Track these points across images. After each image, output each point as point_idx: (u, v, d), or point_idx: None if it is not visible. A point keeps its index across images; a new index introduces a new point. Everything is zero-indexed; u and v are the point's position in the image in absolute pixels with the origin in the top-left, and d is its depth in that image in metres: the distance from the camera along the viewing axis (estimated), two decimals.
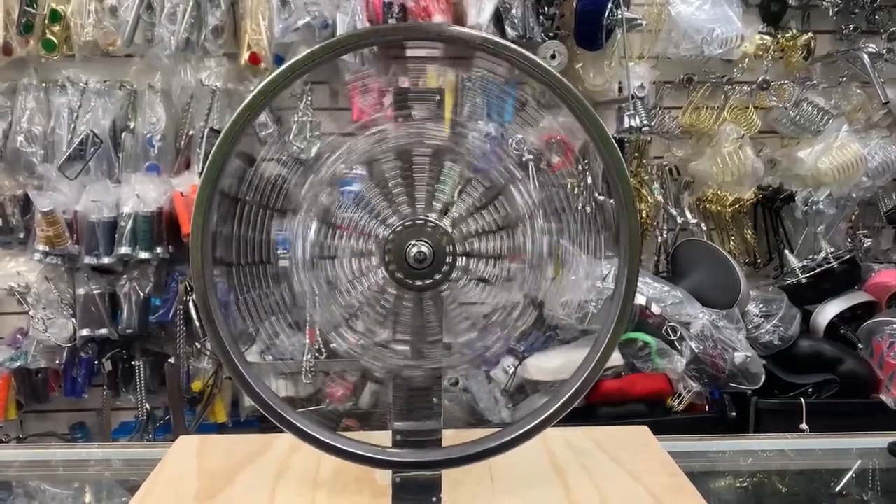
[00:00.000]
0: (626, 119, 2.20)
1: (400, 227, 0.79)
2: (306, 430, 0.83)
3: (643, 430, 1.12)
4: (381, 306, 0.82)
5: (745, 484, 1.23)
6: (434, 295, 0.82)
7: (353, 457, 0.83)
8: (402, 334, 0.83)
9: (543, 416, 0.83)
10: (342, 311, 0.83)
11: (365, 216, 0.81)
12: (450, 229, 0.80)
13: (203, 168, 1.65)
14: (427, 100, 0.82)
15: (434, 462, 0.84)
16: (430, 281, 0.80)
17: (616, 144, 0.82)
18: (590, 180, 2.21)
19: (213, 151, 0.78)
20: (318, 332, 1.95)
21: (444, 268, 0.80)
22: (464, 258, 0.81)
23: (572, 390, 0.83)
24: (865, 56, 2.33)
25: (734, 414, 2.05)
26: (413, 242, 0.79)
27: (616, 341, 0.83)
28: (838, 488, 1.20)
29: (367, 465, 0.85)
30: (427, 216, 0.80)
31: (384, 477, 0.90)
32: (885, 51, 2.36)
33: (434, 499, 0.85)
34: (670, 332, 2.03)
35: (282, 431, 0.84)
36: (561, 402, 0.83)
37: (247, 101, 0.78)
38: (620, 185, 0.80)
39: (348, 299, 0.82)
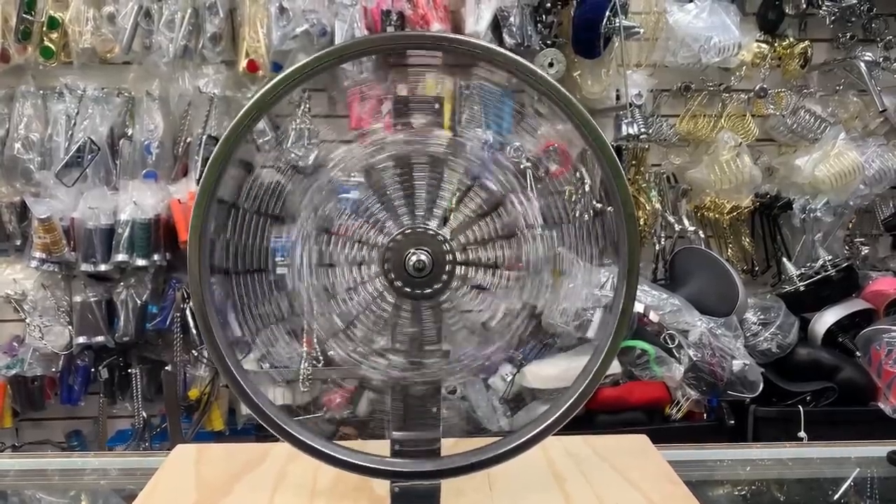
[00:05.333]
0: (623, 127, 2.21)
1: (399, 236, 0.79)
2: (303, 439, 0.82)
3: (642, 439, 1.12)
4: (380, 314, 0.81)
5: (745, 493, 1.22)
6: (433, 304, 0.82)
7: (351, 466, 0.83)
8: (400, 343, 0.83)
9: (543, 426, 0.83)
10: (340, 319, 0.82)
11: (364, 224, 0.81)
12: (449, 238, 0.80)
13: (201, 175, 1.66)
14: (426, 108, 0.81)
15: (433, 472, 0.83)
16: (430, 290, 0.80)
17: (615, 153, 0.82)
18: (587, 188, 2.22)
19: (210, 160, 0.78)
20: (315, 340, 1.94)
21: (444, 277, 0.80)
22: (463, 267, 0.81)
23: (572, 399, 0.82)
24: (862, 64, 2.33)
25: (732, 422, 2.05)
26: (412, 251, 0.78)
27: (616, 350, 0.82)
28: (838, 497, 1.19)
29: (366, 475, 0.85)
30: (426, 225, 0.80)
31: (382, 486, 0.89)
32: (881, 59, 2.37)
33: None
34: (668, 340, 2.03)
35: (279, 440, 0.84)
36: (561, 411, 0.82)
37: (244, 110, 0.77)
38: (619, 193, 0.80)
39: (346, 307, 0.81)
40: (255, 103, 0.77)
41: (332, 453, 0.83)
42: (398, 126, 0.82)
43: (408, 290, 0.79)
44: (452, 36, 0.80)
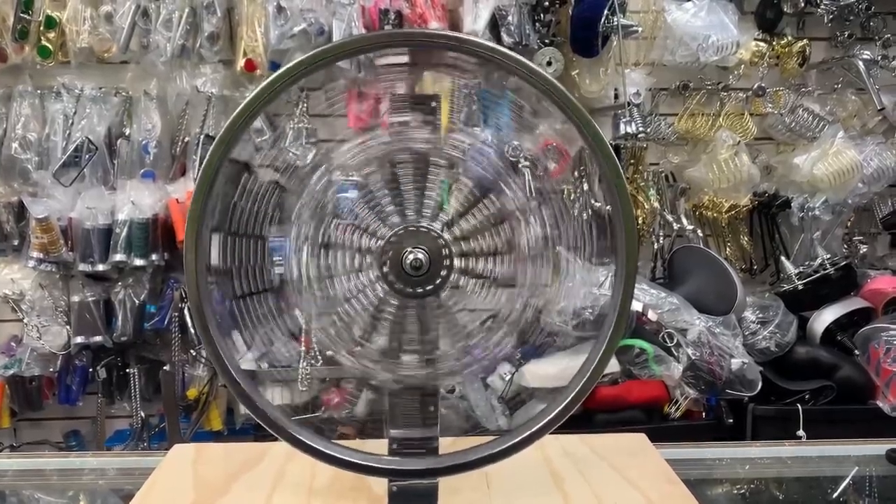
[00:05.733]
0: (622, 125, 2.21)
1: (398, 233, 0.79)
2: (302, 438, 0.82)
3: (641, 438, 1.12)
4: (377, 312, 0.81)
5: (743, 491, 1.22)
6: (429, 303, 0.81)
7: (349, 465, 0.83)
8: (397, 342, 0.83)
9: (541, 424, 0.82)
10: (337, 318, 0.82)
11: (361, 223, 0.80)
12: (446, 236, 0.80)
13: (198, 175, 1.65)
14: (423, 106, 0.81)
15: (430, 470, 0.83)
16: (425, 289, 0.79)
17: (613, 151, 0.81)
18: (586, 187, 2.22)
19: (206, 158, 0.78)
20: (313, 340, 1.94)
21: (441, 275, 0.80)
22: (460, 264, 0.80)
23: (570, 397, 0.82)
24: (860, 62, 2.33)
25: (731, 421, 2.05)
26: (410, 249, 0.78)
27: (613, 348, 0.82)
28: (836, 496, 1.19)
29: (363, 473, 0.84)
30: (425, 224, 0.80)
31: (380, 485, 0.89)
32: (879, 57, 2.37)
33: None
34: (667, 339, 2.03)
35: (277, 439, 0.84)
36: (559, 409, 0.82)
37: (240, 108, 0.77)
38: (618, 192, 0.80)
39: (344, 306, 0.81)
40: (252, 99, 0.77)
41: (329, 452, 0.83)
42: (396, 124, 0.82)
43: (404, 287, 0.79)
44: (451, 34, 0.79)
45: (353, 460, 0.83)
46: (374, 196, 0.81)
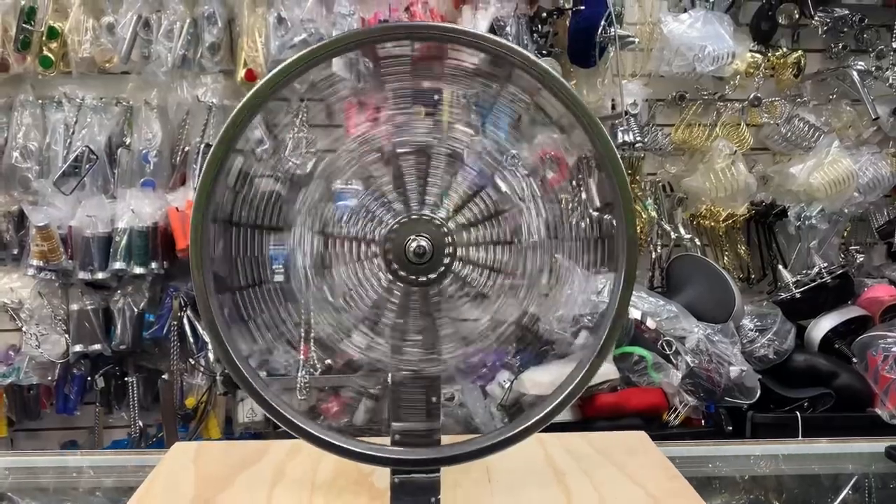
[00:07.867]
0: (619, 134, 2.22)
1: (401, 222, 0.80)
2: (307, 428, 0.82)
3: (641, 436, 1.12)
4: (380, 301, 0.82)
5: (744, 489, 1.22)
6: (431, 292, 0.82)
7: (354, 455, 0.83)
8: (400, 331, 0.83)
9: (545, 412, 0.83)
10: (342, 311, 0.82)
11: (363, 218, 0.81)
12: (449, 226, 0.80)
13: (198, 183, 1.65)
14: (426, 100, 0.82)
15: (433, 459, 0.83)
16: (429, 277, 0.80)
17: (620, 158, 0.83)
18: (584, 196, 2.22)
19: (211, 152, 0.79)
20: (311, 349, 1.94)
21: (443, 265, 0.80)
22: (460, 260, 0.81)
23: (571, 386, 0.83)
24: (855, 73, 2.36)
25: (730, 428, 2.04)
26: (413, 237, 0.79)
27: (615, 334, 0.83)
28: (837, 492, 1.19)
29: (368, 462, 0.85)
30: (430, 214, 0.80)
31: (382, 479, 0.89)
32: (873, 68, 2.40)
33: (433, 499, 0.84)
34: (666, 347, 2.03)
35: (278, 437, 0.84)
36: (561, 398, 0.83)
37: (239, 106, 0.78)
38: (621, 195, 0.81)
39: (346, 294, 0.81)
40: (250, 98, 0.78)
41: (334, 442, 0.83)
42: (399, 118, 0.83)
43: (405, 275, 0.80)
44: (454, 27, 0.81)
45: (357, 450, 0.83)
46: (377, 188, 0.82)
